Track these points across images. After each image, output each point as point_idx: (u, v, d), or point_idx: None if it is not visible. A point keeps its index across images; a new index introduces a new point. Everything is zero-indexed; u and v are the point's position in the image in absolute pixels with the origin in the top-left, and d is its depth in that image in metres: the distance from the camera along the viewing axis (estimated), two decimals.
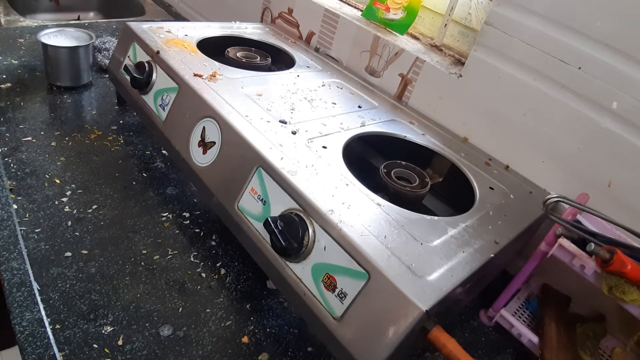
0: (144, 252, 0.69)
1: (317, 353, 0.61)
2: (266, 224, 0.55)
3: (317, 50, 1.13)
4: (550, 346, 0.64)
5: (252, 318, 0.64)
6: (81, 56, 1.02)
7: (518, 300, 0.74)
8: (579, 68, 0.70)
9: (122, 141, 0.92)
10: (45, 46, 0.97)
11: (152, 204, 0.79)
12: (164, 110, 0.78)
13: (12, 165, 0.79)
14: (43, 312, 0.57)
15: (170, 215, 0.77)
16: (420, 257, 0.51)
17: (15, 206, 0.71)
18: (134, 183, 0.82)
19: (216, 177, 0.67)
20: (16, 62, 1.10)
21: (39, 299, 0.58)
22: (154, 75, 0.82)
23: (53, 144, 0.86)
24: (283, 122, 0.71)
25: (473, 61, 0.83)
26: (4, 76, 1.03)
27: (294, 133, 0.68)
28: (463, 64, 0.87)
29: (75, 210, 0.73)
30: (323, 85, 0.90)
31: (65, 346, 0.54)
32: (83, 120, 0.96)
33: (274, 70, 0.96)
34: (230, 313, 0.64)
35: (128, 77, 0.84)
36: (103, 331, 0.57)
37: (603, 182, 0.70)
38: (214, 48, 0.94)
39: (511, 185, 0.74)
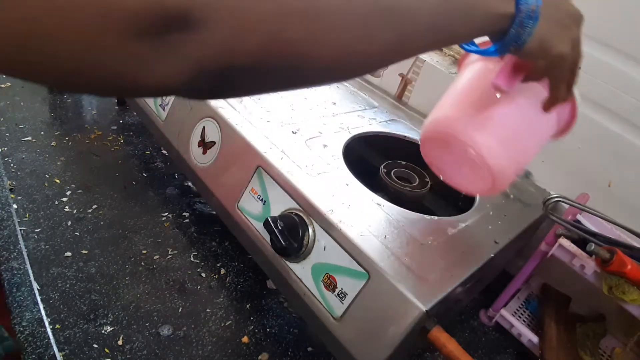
0: (144, 252, 0.69)
1: (317, 353, 0.61)
2: (266, 224, 0.55)
3: None
4: (550, 346, 0.64)
5: (252, 318, 0.64)
6: None
7: (518, 300, 0.74)
8: (579, 68, 0.69)
9: (122, 141, 0.92)
10: None
11: (152, 204, 0.79)
12: (164, 110, 0.78)
13: (12, 165, 0.79)
14: (43, 312, 0.56)
15: (170, 215, 0.77)
16: (420, 257, 0.51)
17: (15, 206, 0.71)
18: (134, 183, 0.82)
19: (216, 177, 0.67)
20: None
21: (39, 299, 0.58)
22: None
23: (53, 143, 0.86)
24: (283, 122, 0.70)
25: None
26: (4, 76, 1.03)
27: (294, 133, 0.68)
28: None
29: (75, 210, 0.73)
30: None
31: (65, 346, 0.54)
32: (83, 120, 0.96)
33: None
34: (230, 313, 0.64)
35: None
36: (103, 331, 0.57)
37: (603, 182, 0.70)
38: None
39: (511, 185, 0.74)
